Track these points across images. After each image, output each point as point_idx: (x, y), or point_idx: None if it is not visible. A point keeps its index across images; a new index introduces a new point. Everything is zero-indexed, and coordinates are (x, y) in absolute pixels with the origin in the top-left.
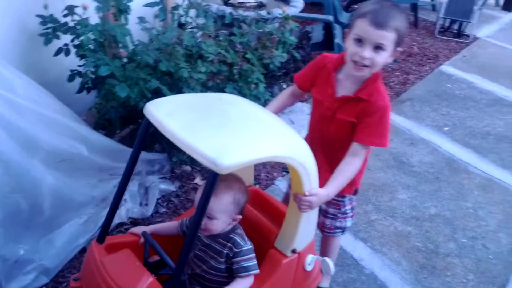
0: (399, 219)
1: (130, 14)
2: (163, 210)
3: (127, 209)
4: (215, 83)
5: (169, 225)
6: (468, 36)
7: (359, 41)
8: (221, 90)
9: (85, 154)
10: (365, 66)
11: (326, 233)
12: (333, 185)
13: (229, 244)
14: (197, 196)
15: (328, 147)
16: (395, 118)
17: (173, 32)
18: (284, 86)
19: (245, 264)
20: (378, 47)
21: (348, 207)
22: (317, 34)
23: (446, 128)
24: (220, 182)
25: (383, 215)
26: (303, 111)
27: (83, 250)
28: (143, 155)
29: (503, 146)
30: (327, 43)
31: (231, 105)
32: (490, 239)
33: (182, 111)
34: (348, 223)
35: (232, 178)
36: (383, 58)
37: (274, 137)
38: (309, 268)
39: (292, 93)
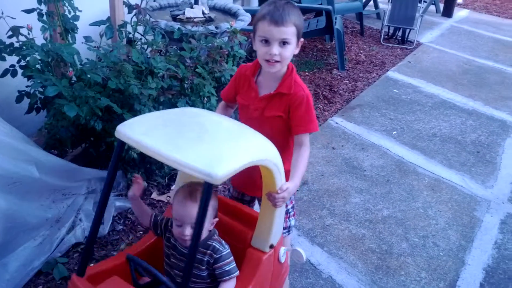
0: (353, 222)
1: (77, 33)
2: (120, 227)
3: (83, 229)
4: (167, 98)
5: (144, 211)
6: (411, 42)
7: (266, 41)
8: (173, 105)
9: (36, 175)
10: (277, 61)
11: None
12: (297, 176)
13: (209, 251)
14: (175, 206)
15: None
16: (345, 125)
17: (121, 49)
18: None
19: (227, 268)
20: (283, 42)
21: (289, 206)
22: (313, 23)
23: (394, 132)
24: (193, 192)
25: (338, 219)
26: None
27: (39, 273)
28: (97, 173)
29: (449, 147)
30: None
31: (200, 117)
32: (440, 237)
33: (157, 128)
34: (292, 221)
35: (201, 185)
36: (290, 51)
37: (250, 143)
38: (282, 259)
39: (225, 106)
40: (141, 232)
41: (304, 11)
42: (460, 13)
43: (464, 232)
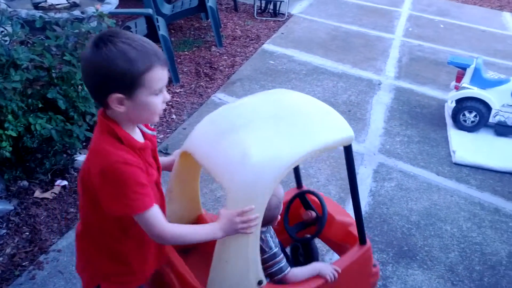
0: None
1: None
2: (3, 231)
3: None
4: (36, 90)
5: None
6: (283, 14)
7: (160, 90)
8: (43, 96)
9: None
10: None
11: None
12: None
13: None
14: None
15: None
16: (228, 99)
17: None
18: None
19: (272, 270)
20: None
21: None
22: (140, 28)
23: None
24: None
25: None
26: None
27: None
28: None
29: None
30: (152, 36)
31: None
32: (322, 192)
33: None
34: None
35: None
36: None
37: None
38: None
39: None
40: (28, 233)
41: None
42: None
43: (342, 186)
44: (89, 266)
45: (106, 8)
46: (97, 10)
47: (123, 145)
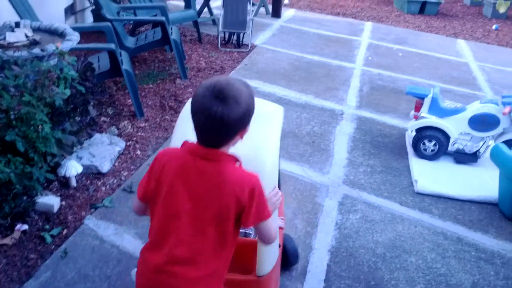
0: None
1: None
2: None
3: None
4: None
5: None
6: (247, 45)
7: None
8: (1, 138)
9: None
10: None
11: None
12: None
13: None
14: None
15: None
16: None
17: None
18: (78, 119)
19: None
20: None
21: None
22: (103, 62)
23: None
24: None
25: None
26: (103, 141)
27: None
28: None
29: (288, 141)
30: (115, 70)
31: None
32: (288, 228)
33: None
34: None
35: None
36: None
37: None
38: None
39: None
40: None
41: (141, 23)
42: (287, 13)
43: (309, 219)
44: None
45: (67, 45)
46: (57, 48)
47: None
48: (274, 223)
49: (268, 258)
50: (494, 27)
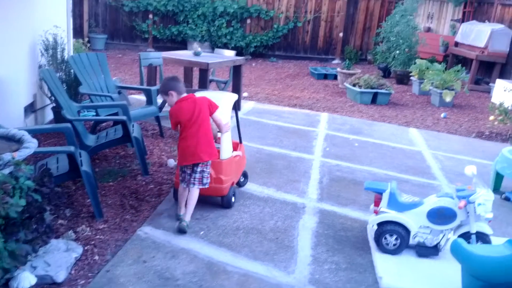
0: None
1: None
2: None
3: None
4: None
5: None
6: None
7: None
8: None
9: None
10: None
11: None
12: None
13: None
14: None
15: None
16: (154, 233)
17: None
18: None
19: None
20: None
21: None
22: (62, 164)
23: (202, 232)
24: None
25: None
26: (59, 248)
27: None
28: None
29: (252, 238)
30: (74, 172)
31: None
32: None
33: None
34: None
35: None
36: None
37: None
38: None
39: None
40: None
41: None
42: (246, 105)
43: None
44: None
45: (24, 153)
46: (13, 157)
47: None
48: (223, 118)
49: (226, 151)
50: (442, 115)
